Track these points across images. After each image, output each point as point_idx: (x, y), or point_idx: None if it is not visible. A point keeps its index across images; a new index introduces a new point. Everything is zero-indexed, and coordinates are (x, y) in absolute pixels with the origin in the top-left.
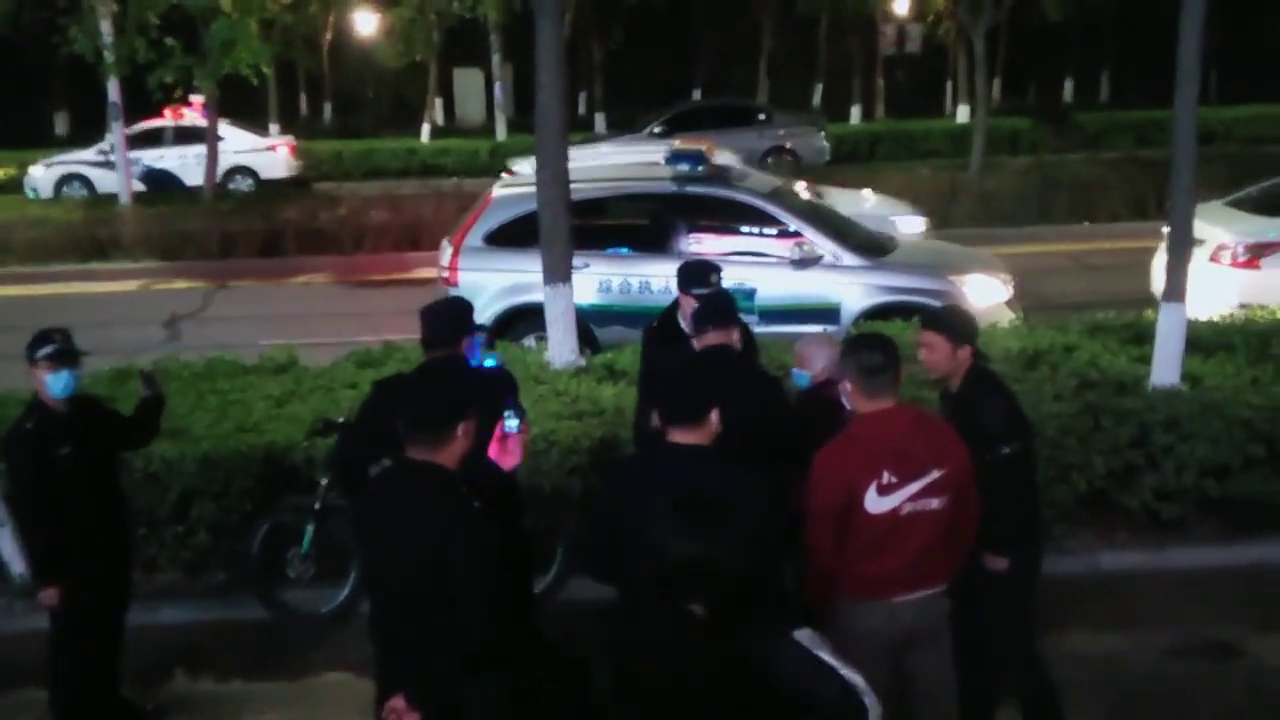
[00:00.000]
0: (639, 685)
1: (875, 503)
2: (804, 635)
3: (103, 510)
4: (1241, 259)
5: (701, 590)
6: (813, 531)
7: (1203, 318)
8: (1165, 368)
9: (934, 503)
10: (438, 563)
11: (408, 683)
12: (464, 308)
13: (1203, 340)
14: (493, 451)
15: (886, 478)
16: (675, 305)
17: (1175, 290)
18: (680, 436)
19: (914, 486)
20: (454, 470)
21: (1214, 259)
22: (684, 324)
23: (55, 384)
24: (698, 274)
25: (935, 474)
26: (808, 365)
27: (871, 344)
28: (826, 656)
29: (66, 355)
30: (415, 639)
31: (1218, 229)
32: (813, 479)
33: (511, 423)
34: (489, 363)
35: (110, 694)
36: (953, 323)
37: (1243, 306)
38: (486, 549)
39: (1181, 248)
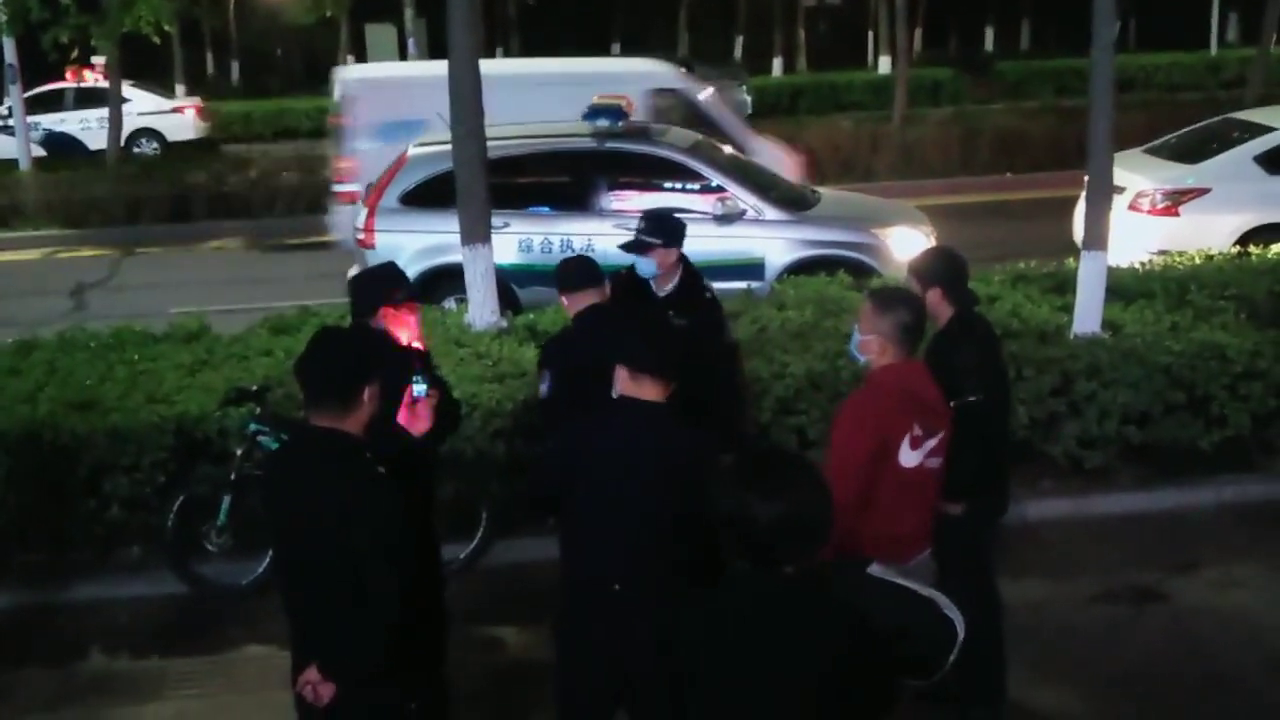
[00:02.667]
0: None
1: (908, 455)
2: (877, 569)
3: None
4: (1160, 206)
5: (795, 549)
6: (842, 481)
7: (1123, 265)
8: (1086, 316)
9: (937, 461)
10: (342, 530)
11: (321, 653)
12: (388, 274)
13: (1123, 288)
14: (402, 417)
15: (916, 429)
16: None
17: (1096, 238)
18: (645, 391)
19: (932, 441)
20: (359, 436)
21: (1133, 207)
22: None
23: None
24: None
25: (942, 432)
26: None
27: (909, 302)
28: (907, 583)
29: None
30: (325, 609)
31: (1137, 176)
32: (841, 428)
33: (420, 388)
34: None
35: None
36: (919, 264)
37: (1162, 253)
38: (390, 516)
39: (1101, 196)
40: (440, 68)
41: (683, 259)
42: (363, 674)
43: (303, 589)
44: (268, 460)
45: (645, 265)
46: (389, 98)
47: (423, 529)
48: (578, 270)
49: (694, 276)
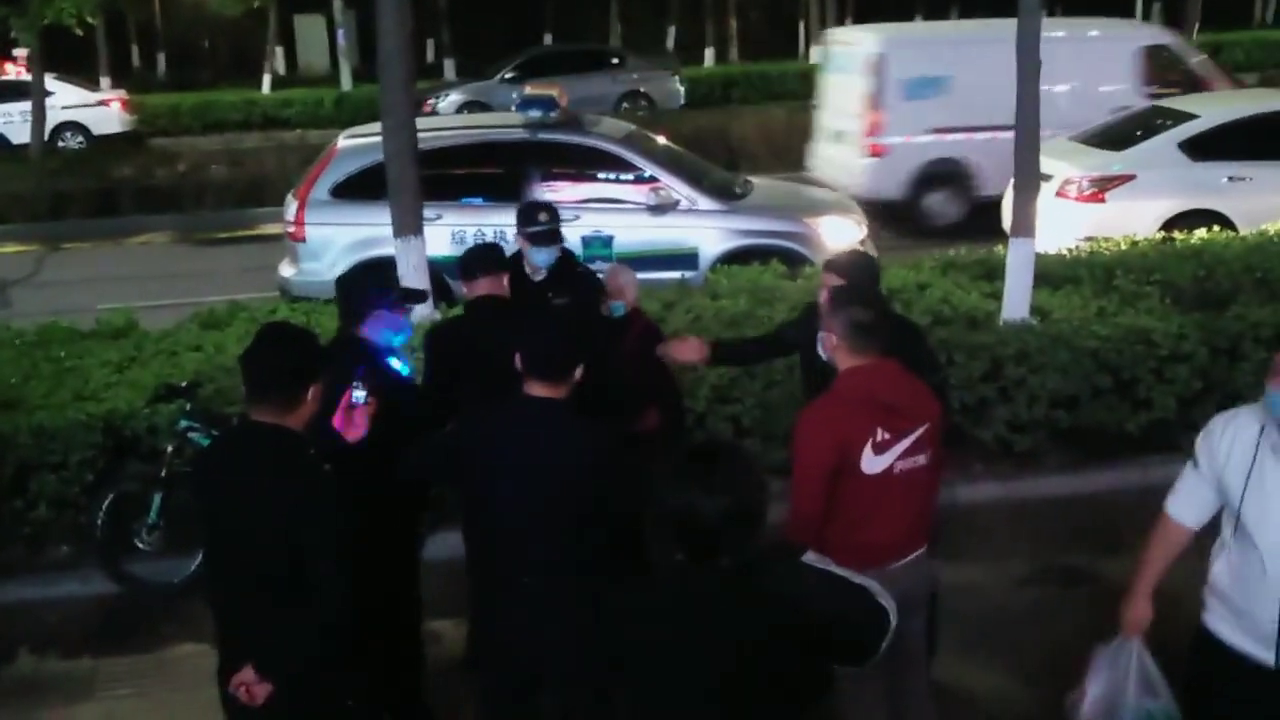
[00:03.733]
0: (658, 654)
1: (871, 461)
2: (811, 557)
3: None
4: (1087, 193)
5: (736, 541)
6: (800, 496)
7: (1051, 251)
8: (1015, 302)
9: (920, 459)
10: (288, 528)
11: (256, 653)
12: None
13: (1051, 274)
14: (337, 421)
15: (880, 434)
16: (519, 251)
17: (1023, 225)
18: (537, 389)
19: (905, 442)
20: (302, 434)
21: (1060, 194)
22: (527, 269)
23: None
24: (529, 213)
25: (920, 429)
26: (622, 296)
27: (864, 300)
28: (840, 571)
29: None
30: (263, 608)
31: (1063, 164)
32: (800, 439)
33: (359, 394)
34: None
35: None
36: (854, 268)
37: (1088, 239)
38: (336, 514)
39: (1028, 184)
40: (970, 27)
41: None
42: (300, 670)
43: (239, 586)
44: (202, 455)
45: (549, 254)
46: (919, 55)
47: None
48: (478, 257)
49: (565, 255)
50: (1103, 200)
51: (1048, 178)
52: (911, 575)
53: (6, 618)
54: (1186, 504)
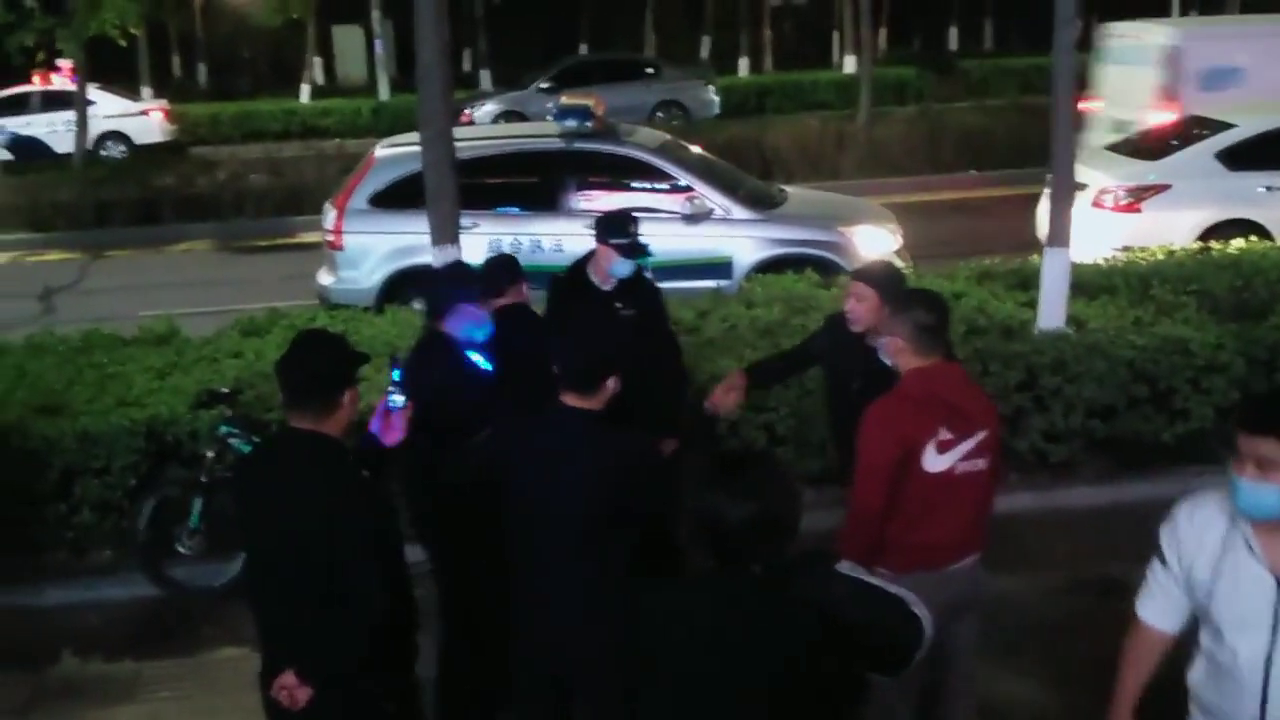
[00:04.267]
0: (689, 659)
1: (933, 460)
2: (845, 566)
3: None
4: (1123, 203)
5: (765, 548)
6: (862, 490)
7: (1086, 261)
8: (1050, 311)
9: (980, 463)
10: (327, 533)
11: (296, 657)
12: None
13: (1087, 283)
14: (374, 425)
15: (943, 434)
16: (587, 258)
17: (1059, 235)
18: (571, 400)
19: (967, 445)
20: (340, 439)
21: (1096, 203)
22: (594, 277)
23: None
24: (619, 224)
25: (981, 434)
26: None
27: (927, 301)
28: (875, 580)
29: None
30: (304, 613)
31: (1099, 174)
32: (864, 434)
33: (396, 398)
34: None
35: None
36: (883, 278)
37: (1124, 249)
38: (375, 517)
39: (1064, 193)
40: (1261, 20)
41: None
42: (340, 674)
43: (279, 590)
44: (242, 461)
45: (628, 266)
46: (1215, 47)
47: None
48: (501, 268)
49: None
50: (1139, 210)
51: (1083, 187)
52: (964, 580)
53: (51, 620)
54: (1159, 607)
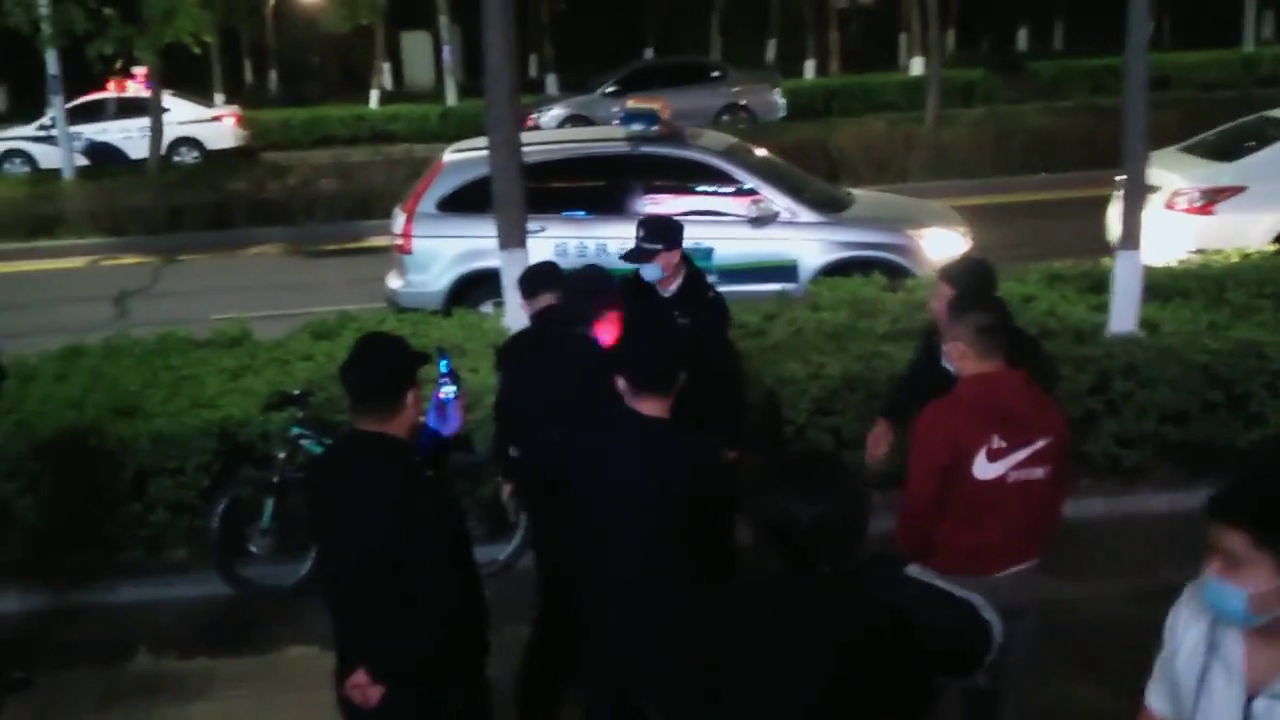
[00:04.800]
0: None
1: (983, 468)
2: (915, 570)
3: None
4: (1196, 204)
5: (833, 550)
6: (910, 491)
7: (1159, 264)
8: (1123, 315)
9: (1038, 472)
10: (394, 533)
11: (368, 656)
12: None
13: (1160, 286)
14: (431, 420)
15: (996, 442)
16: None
17: (1131, 237)
18: (644, 405)
19: (1022, 453)
20: (405, 440)
21: (1169, 205)
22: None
23: None
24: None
25: (1040, 442)
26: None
27: (985, 304)
28: (943, 584)
29: None
30: (374, 612)
31: (1173, 175)
32: (917, 436)
33: (448, 389)
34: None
35: None
36: (962, 276)
37: (1198, 252)
38: (444, 517)
39: (1136, 195)
40: None
41: (685, 260)
42: (411, 672)
43: (350, 591)
44: (312, 463)
45: (650, 271)
46: None
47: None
48: (539, 275)
49: (696, 276)
50: (1212, 212)
51: (1156, 189)
52: (1014, 586)
53: (125, 618)
54: (1162, 692)
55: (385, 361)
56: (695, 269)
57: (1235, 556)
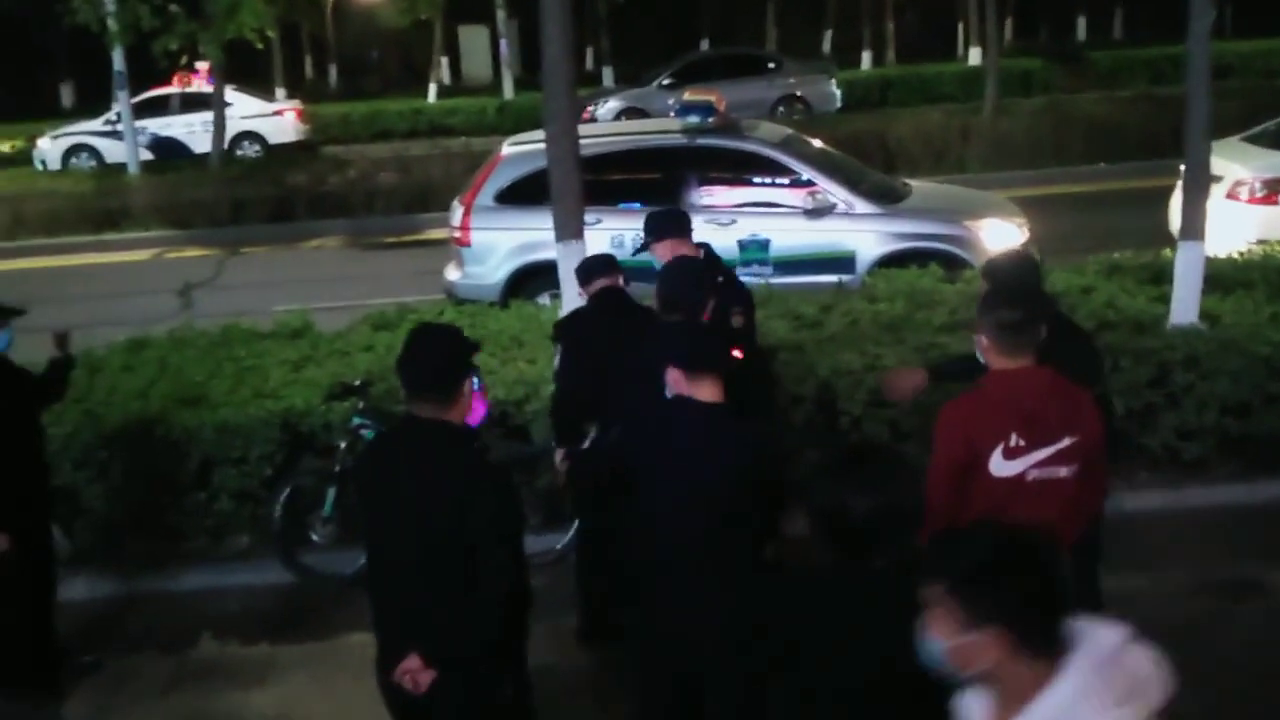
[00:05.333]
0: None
1: (1000, 466)
2: None
3: (27, 465)
4: (1259, 195)
5: (889, 541)
6: (931, 485)
7: (1221, 255)
8: (1184, 306)
9: (1062, 471)
10: (458, 519)
11: (422, 641)
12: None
13: (1221, 278)
14: None
15: (1014, 440)
16: None
17: (1192, 228)
18: (701, 391)
19: (1042, 453)
20: (467, 426)
21: (1231, 195)
22: None
23: (1, 339)
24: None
25: (1066, 441)
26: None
27: (1012, 300)
28: None
29: (7, 311)
30: (432, 596)
31: (1235, 165)
32: (937, 431)
33: (474, 381)
34: None
35: (45, 642)
36: (998, 270)
37: (1261, 243)
38: (505, 503)
39: (1198, 185)
40: None
41: (702, 249)
42: (466, 659)
43: (404, 576)
44: (367, 449)
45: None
46: None
47: None
48: (598, 266)
49: (714, 264)
50: (1275, 202)
51: (1218, 179)
52: None
53: (190, 605)
54: None
55: (441, 351)
56: (713, 257)
57: (936, 609)
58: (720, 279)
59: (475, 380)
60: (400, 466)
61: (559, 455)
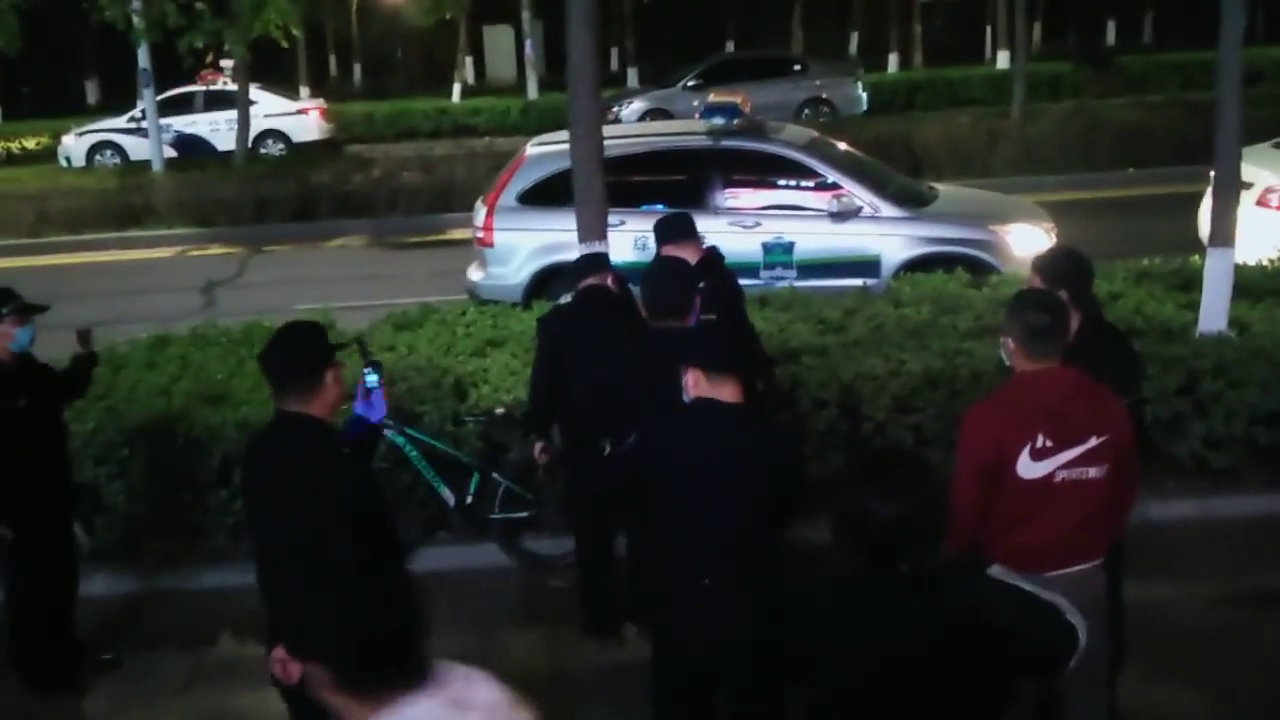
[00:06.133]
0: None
1: (1028, 467)
2: (998, 571)
3: (50, 461)
4: None
5: (914, 548)
6: (958, 489)
7: (1251, 262)
8: (1212, 314)
9: (1091, 471)
10: (309, 510)
11: (287, 633)
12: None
13: (1251, 285)
14: (359, 407)
15: (1041, 441)
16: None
17: (1222, 235)
18: (722, 392)
19: (1070, 453)
20: (324, 420)
21: (1262, 202)
22: None
23: (24, 336)
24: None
25: (1094, 441)
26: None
27: (1041, 304)
28: (1028, 587)
29: (31, 308)
30: (290, 586)
31: (1265, 171)
32: (963, 434)
33: (372, 377)
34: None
35: (64, 638)
36: (1046, 266)
37: None
38: (353, 491)
39: (1228, 191)
40: None
41: (710, 252)
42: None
43: (271, 566)
44: (248, 445)
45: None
46: None
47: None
48: (588, 263)
49: (712, 265)
50: None
51: (1248, 186)
52: (1069, 586)
53: (210, 603)
54: None
55: (300, 343)
56: (718, 260)
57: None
58: (713, 282)
59: (376, 378)
60: (264, 459)
61: (537, 448)
